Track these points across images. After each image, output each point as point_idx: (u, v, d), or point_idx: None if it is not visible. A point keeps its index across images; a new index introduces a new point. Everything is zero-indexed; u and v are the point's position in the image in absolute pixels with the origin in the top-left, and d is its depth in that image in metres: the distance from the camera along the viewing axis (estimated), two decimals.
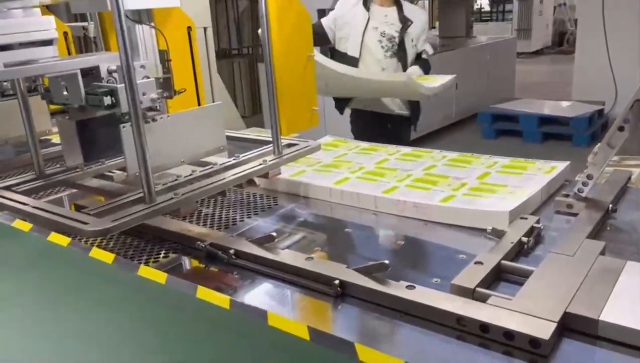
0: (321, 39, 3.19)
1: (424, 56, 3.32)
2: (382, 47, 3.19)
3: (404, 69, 3.25)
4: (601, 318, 0.96)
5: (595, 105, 6.31)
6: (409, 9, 3.25)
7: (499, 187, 1.65)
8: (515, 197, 1.53)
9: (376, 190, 1.68)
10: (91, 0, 1.62)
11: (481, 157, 1.97)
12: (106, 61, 1.50)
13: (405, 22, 3.15)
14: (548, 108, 6.54)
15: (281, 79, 1.80)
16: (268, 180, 1.76)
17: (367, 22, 3.13)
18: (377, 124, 3.31)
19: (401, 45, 3.19)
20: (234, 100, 7.03)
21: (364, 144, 2.25)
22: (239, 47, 8.85)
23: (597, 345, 0.96)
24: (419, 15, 3.27)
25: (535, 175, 1.73)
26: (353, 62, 3.14)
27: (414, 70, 3.16)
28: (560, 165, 1.79)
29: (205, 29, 4.77)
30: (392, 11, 3.19)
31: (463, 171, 1.83)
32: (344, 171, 1.89)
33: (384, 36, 3.17)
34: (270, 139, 1.77)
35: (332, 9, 4.28)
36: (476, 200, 1.56)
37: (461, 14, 8.44)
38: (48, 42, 1.54)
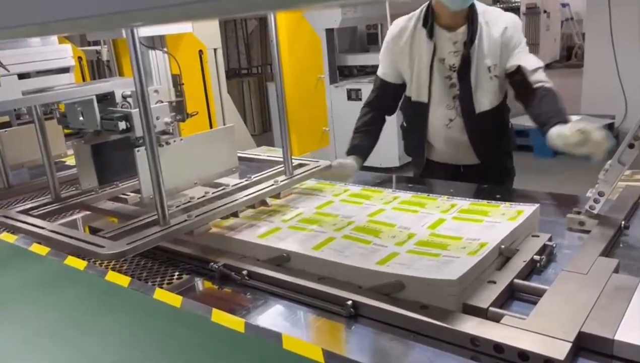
0: (391, 94, 2.20)
1: (536, 82, 1.92)
2: (450, 85, 2.08)
3: (469, 128, 2.07)
4: (616, 338, 0.95)
5: (605, 118, 6.27)
6: (487, 18, 2.00)
7: (452, 239, 1.34)
8: (468, 256, 1.23)
9: (305, 245, 1.37)
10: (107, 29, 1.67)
11: (437, 198, 1.66)
12: (121, 87, 1.53)
13: (471, 38, 1.97)
14: None
15: (291, 100, 1.82)
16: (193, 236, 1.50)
17: (433, 54, 2.03)
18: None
19: (463, 75, 2.01)
20: (244, 118, 7.09)
21: (309, 182, 1.89)
22: (249, 66, 8.96)
23: None
24: (499, 21, 2.00)
25: (497, 222, 1.43)
26: (420, 111, 2.13)
27: (558, 133, 1.68)
28: (527, 210, 1.46)
29: (215, 50, 4.86)
30: (462, 31, 2.00)
31: (414, 217, 1.53)
32: (275, 219, 1.57)
33: (453, 70, 2.05)
34: (281, 159, 1.80)
35: (340, 28, 4.01)
36: (420, 260, 1.25)
37: None
38: (65, 70, 1.59)
